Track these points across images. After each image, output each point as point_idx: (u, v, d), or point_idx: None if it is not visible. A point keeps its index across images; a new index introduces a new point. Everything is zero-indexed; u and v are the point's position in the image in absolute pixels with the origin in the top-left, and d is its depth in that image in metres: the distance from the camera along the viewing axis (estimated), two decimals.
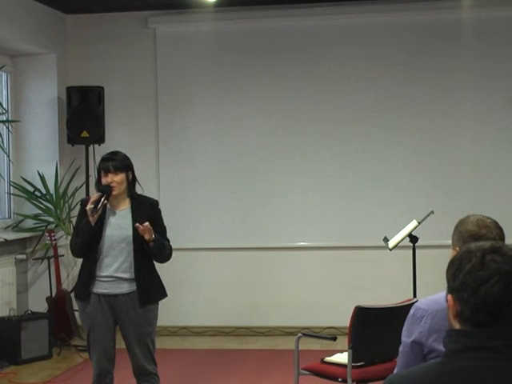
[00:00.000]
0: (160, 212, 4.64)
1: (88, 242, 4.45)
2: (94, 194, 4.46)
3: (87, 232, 4.43)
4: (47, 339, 6.82)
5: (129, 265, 4.46)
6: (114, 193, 4.45)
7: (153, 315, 4.56)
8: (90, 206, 4.38)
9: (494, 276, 1.71)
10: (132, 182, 4.56)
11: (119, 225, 4.49)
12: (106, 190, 4.43)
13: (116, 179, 4.45)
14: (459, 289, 1.74)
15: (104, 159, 4.52)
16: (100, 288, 4.47)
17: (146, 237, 4.40)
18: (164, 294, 4.64)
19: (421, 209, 6.55)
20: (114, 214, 4.51)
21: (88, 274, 4.49)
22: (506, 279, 1.71)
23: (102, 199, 4.39)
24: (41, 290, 7.51)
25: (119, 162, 4.49)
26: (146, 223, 4.39)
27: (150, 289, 4.52)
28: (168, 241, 4.61)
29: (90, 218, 4.39)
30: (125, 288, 4.47)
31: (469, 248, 1.78)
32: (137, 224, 4.38)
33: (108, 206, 4.50)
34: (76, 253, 4.60)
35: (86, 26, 7.99)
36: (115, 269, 4.46)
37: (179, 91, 7.87)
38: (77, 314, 7.34)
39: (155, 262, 4.61)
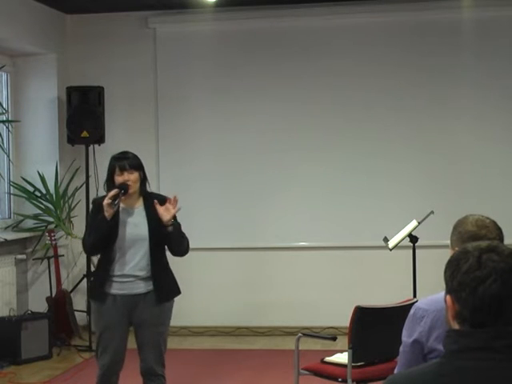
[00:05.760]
0: None
1: (104, 238, 4.41)
2: (112, 190, 4.41)
3: (104, 227, 4.38)
4: (47, 339, 6.80)
5: (146, 263, 4.45)
6: (130, 191, 4.44)
7: (167, 316, 4.54)
8: (108, 201, 4.34)
9: (492, 275, 1.71)
10: (143, 180, 4.56)
11: (134, 223, 4.48)
12: (124, 187, 4.42)
13: (132, 177, 4.45)
14: (457, 289, 1.74)
15: (118, 158, 4.50)
16: (116, 289, 4.45)
17: (166, 217, 4.38)
18: (179, 291, 4.62)
19: (421, 209, 6.54)
20: (128, 212, 4.50)
21: (103, 274, 4.47)
22: (503, 278, 1.70)
23: (120, 194, 4.37)
24: (41, 290, 7.50)
25: (134, 161, 4.50)
26: (172, 196, 4.44)
27: (166, 286, 4.52)
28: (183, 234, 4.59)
29: (106, 214, 4.35)
30: (141, 288, 4.46)
31: (465, 248, 1.78)
32: (155, 201, 4.39)
33: (122, 205, 4.47)
34: (91, 250, 4.61)
35: (86, 26, 7.99)
36: (132, 267, 4.44)
37: (179, 91, 7.87)
38: (77, 314, 7.37)
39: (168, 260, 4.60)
